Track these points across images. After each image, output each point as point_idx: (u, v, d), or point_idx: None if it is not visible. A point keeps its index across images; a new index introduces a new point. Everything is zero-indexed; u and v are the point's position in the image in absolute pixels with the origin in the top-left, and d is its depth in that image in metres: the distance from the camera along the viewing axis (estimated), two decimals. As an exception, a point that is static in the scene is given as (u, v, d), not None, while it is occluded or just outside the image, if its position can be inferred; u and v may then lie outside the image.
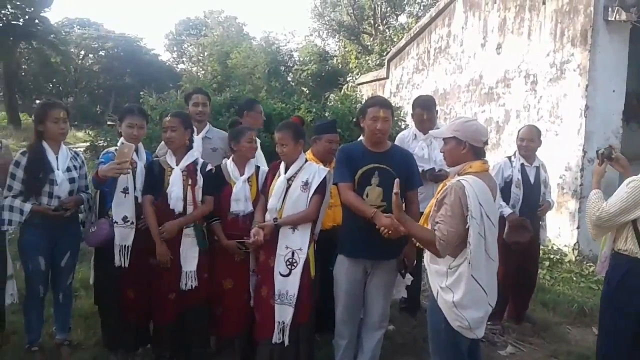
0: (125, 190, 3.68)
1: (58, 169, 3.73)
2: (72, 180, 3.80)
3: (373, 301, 3.64)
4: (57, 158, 3.76)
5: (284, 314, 3.47)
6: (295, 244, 3.52)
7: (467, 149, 2.86)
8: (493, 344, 4.56)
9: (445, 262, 2.79)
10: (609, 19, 6.88)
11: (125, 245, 3.67)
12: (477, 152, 2.88)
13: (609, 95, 7.07)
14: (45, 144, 3.75)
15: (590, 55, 7.02)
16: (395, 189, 2.85)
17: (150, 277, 3.74)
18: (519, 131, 4.88)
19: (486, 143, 2.92)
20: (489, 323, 4.48)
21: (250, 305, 3.74)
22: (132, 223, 3.69)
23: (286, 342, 3.45)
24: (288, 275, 3.49)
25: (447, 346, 2.87)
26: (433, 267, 2.90)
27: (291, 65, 24.63)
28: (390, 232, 3.14)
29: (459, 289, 2.72)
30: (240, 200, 3.70)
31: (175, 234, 3.64)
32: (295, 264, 3.49)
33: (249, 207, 3.72)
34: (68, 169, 3.80)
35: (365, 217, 3.31)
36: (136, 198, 3.72)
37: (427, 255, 2.97)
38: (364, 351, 3.69)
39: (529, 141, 4.72)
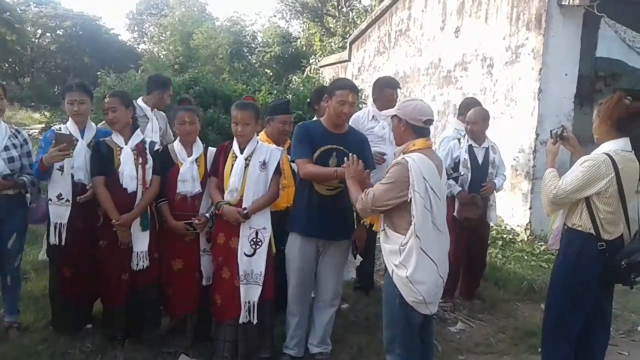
0: (61, 168, 3.64)
1: None
2: (11, 160, 3.69)
3: (325, 279, 3.69)
4: None
5: (250, 293, 3.50)
6: (259, 224, 3.55)
7: (406, 127, 2.99)
8: (444, 320, 4.68)
9: (396, 241, 2.90)
10: (563, 3, 7.00)
11: (60, 223, 3.64)
12: (418, 130, 2.99)
13: (561, 79, 7.21)
14: None
15: (544, 39, 7.13)
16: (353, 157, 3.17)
17: (101, 258, 3.72)
18: (467, 114, 4.97)
19: (428, 122, 3.00)
20: (440, 300, 4.59)
21: (200, 285, 3.75)
22: (67, 200, 3.65)
23: (254, 321, 3.50)
24: (253, 254, 3.51)
25: (400, 322, 2.97)
26: (387, 247, 2.99)
27: (254, 46, 24.36)
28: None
29: (410, 263, 2.83)
30: (187, 181, 3.65)
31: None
32: (260, 243, 3.53)
33: (197, 187, 3.68)
34: (6, 148, 3.70)
35: (331, 178, 3.41)
36: (72, 176, 3.67)
37: (381, 235, 3.05)
38: (316, 328, 3.74)
39: (473, 124, 4.80)
